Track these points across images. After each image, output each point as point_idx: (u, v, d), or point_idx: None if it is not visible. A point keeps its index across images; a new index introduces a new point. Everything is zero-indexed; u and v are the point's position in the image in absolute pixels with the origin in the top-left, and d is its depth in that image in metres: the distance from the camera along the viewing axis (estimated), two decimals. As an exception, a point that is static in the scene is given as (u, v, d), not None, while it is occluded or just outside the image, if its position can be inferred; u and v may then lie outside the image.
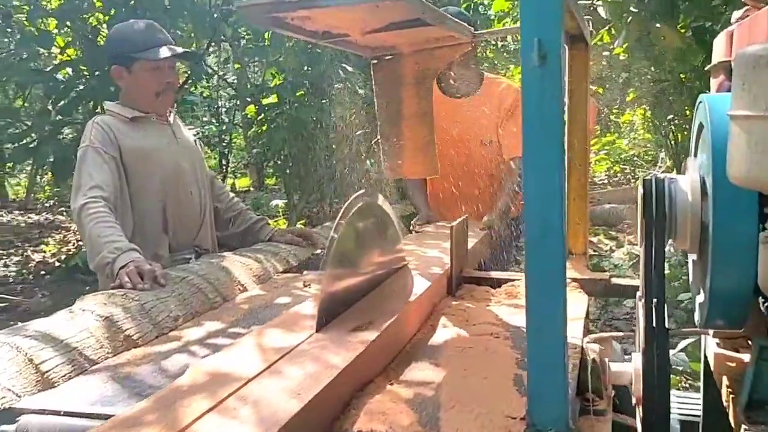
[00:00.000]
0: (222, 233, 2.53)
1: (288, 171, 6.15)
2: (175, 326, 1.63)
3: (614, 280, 1.82)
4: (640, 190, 1.36)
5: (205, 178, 2.44)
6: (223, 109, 11.25)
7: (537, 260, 1.00)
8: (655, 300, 1.32)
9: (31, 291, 5.70)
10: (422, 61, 1.85)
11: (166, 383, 1.24)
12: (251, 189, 11.97)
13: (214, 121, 11.79)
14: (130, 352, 1.46)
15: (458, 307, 1.72)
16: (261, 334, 1.31)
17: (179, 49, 2.31)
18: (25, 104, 4.79)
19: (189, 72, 5.79)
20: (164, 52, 2.24)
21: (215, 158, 12.66)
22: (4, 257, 6.88)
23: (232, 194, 2.62)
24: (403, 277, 1.70)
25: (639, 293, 1.45)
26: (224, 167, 12.10)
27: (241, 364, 1.13)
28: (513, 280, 1.90)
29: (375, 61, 1.87)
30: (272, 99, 5.62)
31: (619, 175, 11.33)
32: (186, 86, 8.78)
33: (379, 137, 1.89)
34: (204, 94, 10.28)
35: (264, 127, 5.91)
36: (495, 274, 1.97)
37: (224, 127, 10.76)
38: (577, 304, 1.68)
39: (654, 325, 1.31)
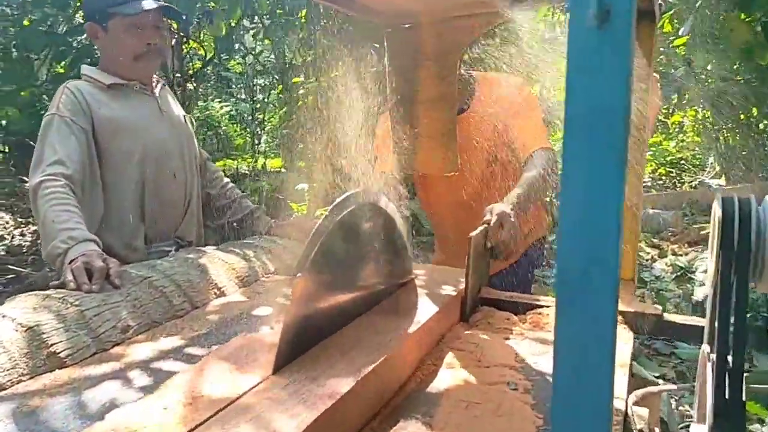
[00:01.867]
0: (213, 223, 2.23)
1: (309, 154, 5.85)
2: (121, 340, 1.33)
3: (669, 317, 1.47)
4: (718, 210, 1.02)
5: (193, 161, 2.13)
6: (258, 87, 11.02)
7: (573, 310, 0.67)
8: (730, 360, 0.98)
9: (41, 263, 5.51)
10: (445, 32, 1.52)
11: (75, 429, 0.95)
12: (283, 170, 11.73)
13: (249, 98, 11.58)
14: (51, 375, 1.17)
15: (471, 339, 1.39)
16: (200, 372, 1.00)
17: (160, 3, 1.96)
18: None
19: (216, 46, 5.54)
20: (142, 5, 1.91)
21: (247, 137, 12.48)
22: (22, 225, 6.74)
23: (227, 180, 2.31)
24: (405, 297, 1.38)
25: (705, 345, 1.10)
26: (256, 146, 11.90)
27: (154, 425, 0.83)
28: (540, 306, 1.57)
29: (389, 30, 1.54)
30: (300, 78, 5.32)
31: (663, 178, 10.80)
32: (216, 60, 8.57)
33: (378, 125, 1.57)
34: (238, 71, 10.05)
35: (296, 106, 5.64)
36: (520, 297, 1.63)
37: (257, 106, 10.52)
38: (620, 345, 1.34)
39: (727, 395, 0.98)
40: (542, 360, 1.28)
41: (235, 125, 13.36)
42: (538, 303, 1.58)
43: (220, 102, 13.36)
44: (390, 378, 1.09)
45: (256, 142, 11.96)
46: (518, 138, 2.04)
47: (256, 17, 5.52)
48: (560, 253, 0.66)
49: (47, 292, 1.37)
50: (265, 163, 12.36)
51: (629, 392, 1.21)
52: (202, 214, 2.18)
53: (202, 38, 6.67)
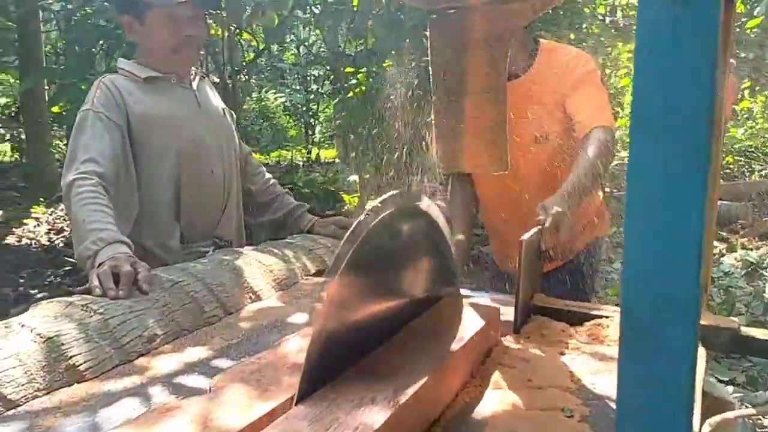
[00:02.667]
0: (255, 220, 2.16)
1: (360, 145, 5.77)
2: (147, 350, 1.26)
3: (747, 331, 1.31)
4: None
5: (233, 156, 2.05)
6: (311, 78, 10.99)
7: (643, 359, 0.55)
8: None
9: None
10: (496, 17, 1.38)
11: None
12: (337, 161, 11.69)
13: (303, 89, 11.58)
14: (69, 390, 1.10)
15: (521, 354, 1.26)
16: (214, 397, 0.90)
17: None
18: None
19: (267, 37, 5.49)
20: None
21: (301, 128, 12.51)
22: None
23: (269, 176, 2.22)
24: (449, 308, 1.26)
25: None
26: (310, 137, 11.91)
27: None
28: (600, 317, 1.43)
29: (433, 16, 1.42)
30: (351, 68, 5.23)
31: (732, 166, 10.33)
32: (269, 51, 8.55)
33: (432, 117, 1.45)
34: (292, 62, 10.04)
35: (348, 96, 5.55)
36: (577, 306, 1.49)
37: (311, 96, 10.50)
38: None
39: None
40: (601, 380, 1.15)
41: (289, 116, 13.41)
42: (597, 313, 1.44)
43: (275, 93, 13.44)
44: (430, 406, 0.98)
45: (310, 132, 11.98)
46: (577, 113, 1.89)
47: (308, 7, 5.45)
48: (626, 287, 0.54)
49: (70, 299, 1.30)
50: (319, 153, 12.39)
51: (702, 416, 1.07)
52: (243, 212, 2.10)
53: (254, 29, 6.64)
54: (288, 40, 9.34)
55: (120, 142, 1.78)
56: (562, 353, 1.28)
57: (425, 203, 1.15)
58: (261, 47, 6.92)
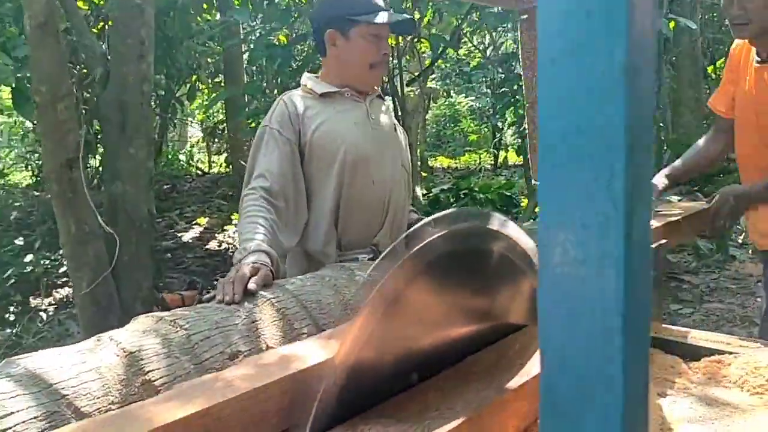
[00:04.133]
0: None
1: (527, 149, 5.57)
2: (226, 366, 1.29)
3: None
4: None
5: (398, 171, 2.10)
6: (497, 81, 10.85)
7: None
8: None
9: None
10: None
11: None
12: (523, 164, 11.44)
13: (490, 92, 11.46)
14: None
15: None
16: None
17: (402, 16, 2.00)
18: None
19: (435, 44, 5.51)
20: (384, 17, 1.94)
21: (489, 131, 12.40)
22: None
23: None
24: (523, 340, 1.15)
25: None
26: (497, 141, 11.77)
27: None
28: (722, 353, 1.22)
29: (524, 17, 1.31)
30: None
31: None
32: (449, 56, 8.56)
33: (525, 123, 1.34)
34: (474, 65, 9.99)
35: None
36: (698, 335, 1.29)
37: (495, 100, 10.36)
38: None
39: None
40: (703, 431, 0.98)
41: (474, 120, 13.37)
42: (719, 347, 1.24)
43: (465, 97, 13.47)
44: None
45: (497, 135, 11.83)
46: None
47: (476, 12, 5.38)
48: (545, 370, 0.44)
49: (162, 313, 1.37)
50: (506, 157, 12.21)
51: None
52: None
53: (430, 35, 6.69)
54: (475, 42, 9.32)
55: (290, 158, 1.91)
56: (663, 394, 1.11)
57: (497, 223, 1.06)
58: (441, 50, 6.95)
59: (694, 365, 1.21)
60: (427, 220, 0.97)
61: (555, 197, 0.43)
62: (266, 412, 0.87)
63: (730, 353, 1.21)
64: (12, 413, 1.02)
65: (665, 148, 6.68)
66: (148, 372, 1.19)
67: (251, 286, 1.45)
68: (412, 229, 0.99)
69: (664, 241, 1.33)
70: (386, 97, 2.27)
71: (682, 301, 4.51)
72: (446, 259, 0.92)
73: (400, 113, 4.88)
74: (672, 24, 5.18)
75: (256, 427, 0.84)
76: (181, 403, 0.82)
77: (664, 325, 1.33)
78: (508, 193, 6.49)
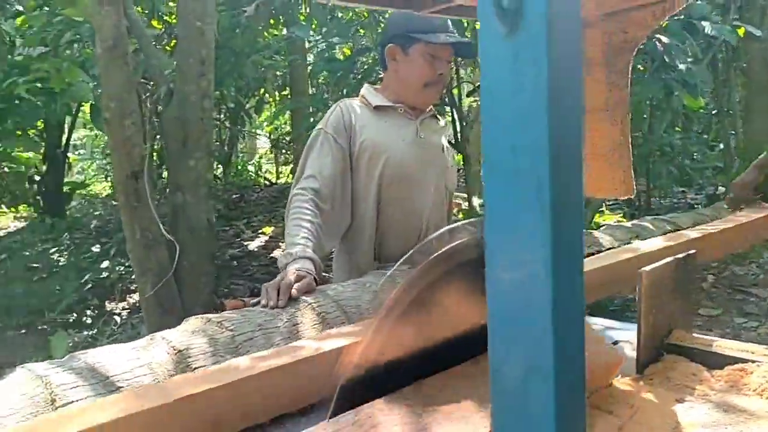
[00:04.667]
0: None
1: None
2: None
3: None
4: None
5: (441, 191, 2.18)
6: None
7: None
8: None
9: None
10: (615, 29, 1.28)
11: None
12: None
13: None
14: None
15: (628, 398, 1.14)
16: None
17: (462, 39, 2.08)
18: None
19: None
20: (445, 37, 2.01)
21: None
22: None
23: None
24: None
25: None
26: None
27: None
28: (746, 361, 1.23)
29: (550, 34, 1.36)
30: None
31: None
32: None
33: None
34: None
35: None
36: (724, 344, 1.30)
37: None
38: None
39: None
40: (713, 437, 1.01)
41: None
42: (743, 356, 1.25)
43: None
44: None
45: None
46: None
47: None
48: (492, 359, 0.50)
49: (210, 315, 1.47)
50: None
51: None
52: None
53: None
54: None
55: (341, 163, 2.00)
56: (681, 400, 1.14)
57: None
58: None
59: (716, 373, 1.22)
60: (442, 231, 1.03)
61: (496, 207, 0.49)
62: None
63: (754, 362, 1.22)
64: (73, 402, 1.14)
65: (735, 156, 6.49)
66: (195, 369, 1.29)
67: (293, 292, 1.54)
68: (428, 238, 1.05)
69: (692, 251, 1.34)
70: (441, 119, 2.30)
71: (748, 315, 4.38)
72: (461, 268, 0.98)
73: (458, 124, 4.93)
74: (741, 31, 5.05)
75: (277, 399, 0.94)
76: (207, 380, 0.92)
77: (694, 336, 1.34)
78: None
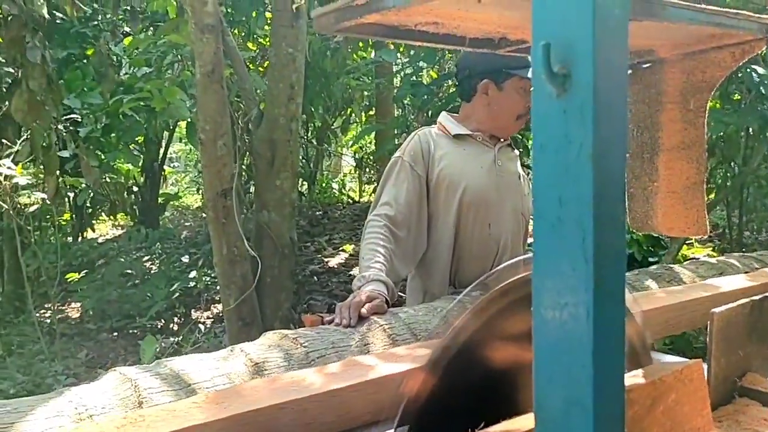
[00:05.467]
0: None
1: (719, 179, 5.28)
2: (338, 382, 1.44)
3: None
4: None
5: (518, 220, 2.19)
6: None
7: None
8: None
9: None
10: (693, 68, 1.29)
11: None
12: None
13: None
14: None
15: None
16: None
17: None
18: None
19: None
20: None
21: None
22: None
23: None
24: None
25: None
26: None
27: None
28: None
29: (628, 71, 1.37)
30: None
31: None
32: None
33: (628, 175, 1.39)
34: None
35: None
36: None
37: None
38: None
39: None
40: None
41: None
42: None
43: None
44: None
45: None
46: None
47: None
48: (536, 389, 0.54)
49: (286, 331, 1.55)
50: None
51: None
52: None
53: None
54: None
55: (417, 191, 2.04)
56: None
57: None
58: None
59: (789, 421, 1.20)
60: (516, 260, 1.06)
61: (545, 252, 0.53)
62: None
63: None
64: (158, 405, 1.23)
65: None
66: (270, 381, 1.37)
67: (363, 311, 1.60)
68: (502, 266, 1.08)
69: (765, 294, 1.32)
70: (515, 148, 2.34)
71: None
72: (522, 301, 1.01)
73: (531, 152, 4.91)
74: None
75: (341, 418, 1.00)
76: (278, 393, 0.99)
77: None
78: (656, 235, 6.24)
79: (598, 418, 0.49)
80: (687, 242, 5.53)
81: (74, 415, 1.12)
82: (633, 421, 0.90)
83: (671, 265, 2.48)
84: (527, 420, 0.81)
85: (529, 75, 1.97)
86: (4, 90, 4.45)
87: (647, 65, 1.35)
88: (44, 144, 4.28)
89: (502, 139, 2.19)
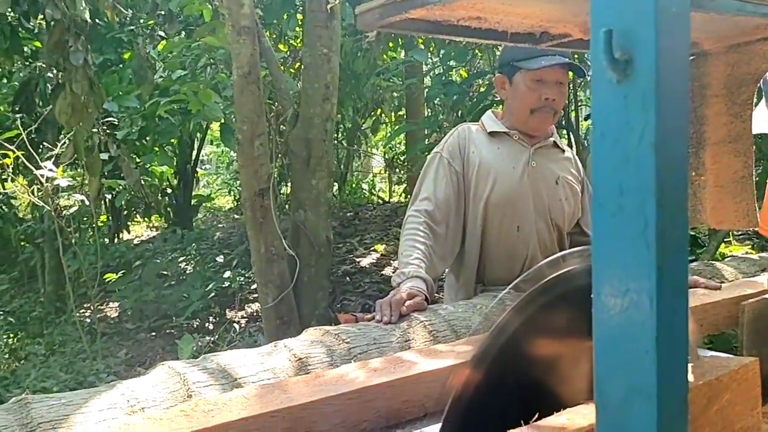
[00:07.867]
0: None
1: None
2: (380, 378, 1.45)
3: None
4: None
5: (550, 223, 2.09)
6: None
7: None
8: None
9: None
10: (737, 61, 1.27)
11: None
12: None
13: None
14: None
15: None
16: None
17: (562, 59, 2.00)
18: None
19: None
20: (543, 62, 1.98)
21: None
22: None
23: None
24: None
25: None
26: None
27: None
28: None
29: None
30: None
31: None
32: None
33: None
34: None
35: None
36: None
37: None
38: None
39: None
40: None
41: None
42: None
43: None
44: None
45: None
46: None
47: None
48: (597, 378, 0.54)
49: (329, 327, 1.57)
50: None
51: None
52: None
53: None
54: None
55: (455, 187, 2.04)
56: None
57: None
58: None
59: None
60: (555, 257, 1.06)
61: (605, 242, 0.53)
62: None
63: None
64: (205, 398, 1.25)
65: None
66: (313, 376, 1.38)
67: (404, 308, 1.61)
68: (541, 263, 1.08)
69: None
70: (568, 150, 2.25)
71: None
72: (569, 294, 1.00)
73: (574, 147, 4.86)
74: None
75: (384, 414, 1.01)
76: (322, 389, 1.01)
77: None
78: (693, 233, 6.14)
79: (661, 405, 0.49)
80: (725, 240, 5.44)
81: (126, 407, 1.15)
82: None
83: (712, 262, 2.44)
84: (587, 409, 0.81)
85: (535, 66, 1.96)
86: (48, 94, 4.56)
87: (690, 58, 1.33)
88: (87, 146, 4.37)
89: (537, 137, 2.11)
